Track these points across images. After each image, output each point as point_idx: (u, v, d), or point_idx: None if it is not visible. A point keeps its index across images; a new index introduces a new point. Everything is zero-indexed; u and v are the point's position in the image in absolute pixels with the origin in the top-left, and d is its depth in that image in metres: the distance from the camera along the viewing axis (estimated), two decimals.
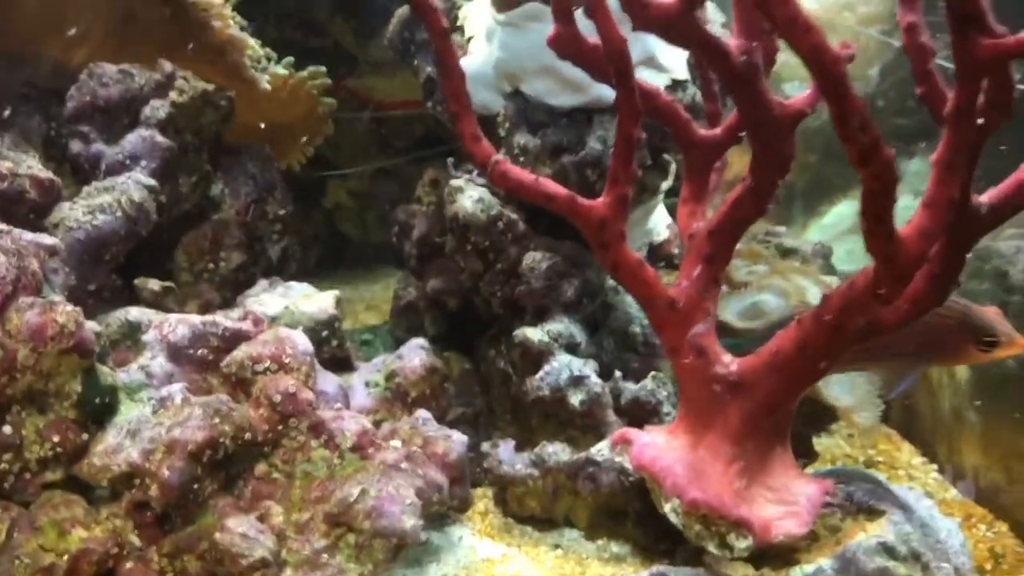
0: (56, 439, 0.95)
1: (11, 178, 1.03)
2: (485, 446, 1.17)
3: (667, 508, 0.98)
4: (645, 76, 1.17)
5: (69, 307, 0.95)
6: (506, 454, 1.15)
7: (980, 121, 0.81)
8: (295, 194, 2.11)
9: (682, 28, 0.85)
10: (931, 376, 1.34)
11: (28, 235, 1.01)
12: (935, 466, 1.33)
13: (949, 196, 0.83)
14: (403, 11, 1.30)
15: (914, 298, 0.92)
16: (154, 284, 1.13)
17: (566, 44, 0.95)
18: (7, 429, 0.94)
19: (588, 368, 1.14)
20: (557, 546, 1.12)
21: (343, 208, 2.15)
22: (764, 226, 1.72)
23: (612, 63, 0.90)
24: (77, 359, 0.95)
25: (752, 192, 0.97)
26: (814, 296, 1.18)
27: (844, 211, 2.12)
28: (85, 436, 0.97)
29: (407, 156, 2.06)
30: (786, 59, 2.56)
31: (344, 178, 2.13)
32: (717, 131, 1.04)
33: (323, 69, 1.43)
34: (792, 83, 2.39)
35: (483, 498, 1.21)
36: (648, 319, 1.01)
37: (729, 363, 0.98)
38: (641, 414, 1.13)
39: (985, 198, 0.89)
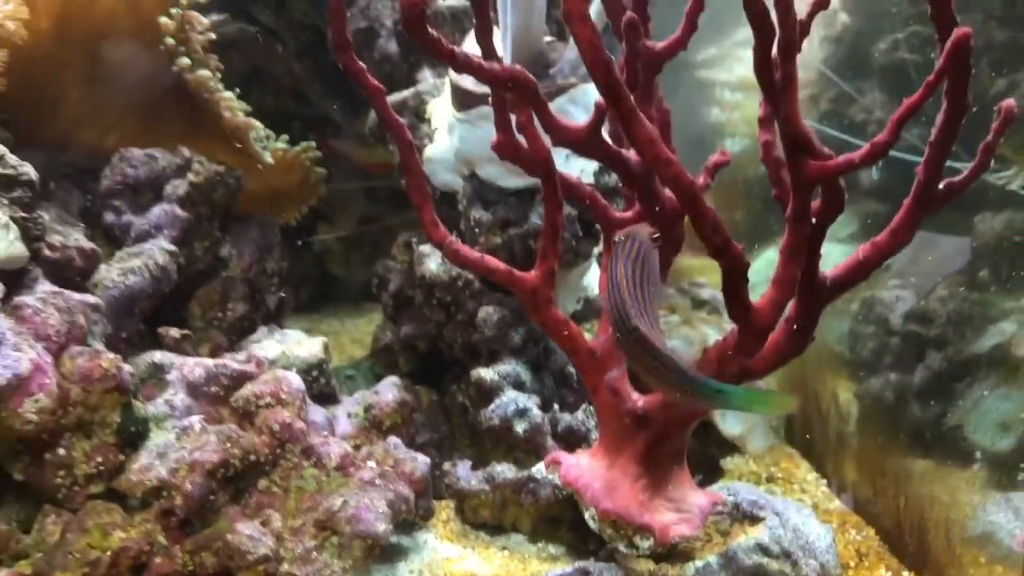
0: (99, 459, 1.19)
1: (62, 249, 1.28)
2: (447, 465, 1.42)
3: (587, 516, 1.23)
4: (578, 162, 1.44)
5: (111, 355, 1.20)
6: (463, 472, 1.40)
7: (815, 219, 1.08)
8: (289, 239, 2.36)
9: (589, 145, 1.11)
10: (822, 405, 1.61)
11: (76, 296, 1.25)
12: (825, 481, 1.59)
13: (791, 277, 1.09)
14: None
15: (778, 350, 1.18)
16: (175, 332, 1.37)
17: (506, 149, 1.21)
18: (61, 451, 1.18)
19: (531, 402, 1.39)
20: (504, 548, 1.37)
21: (331, 251, 2.40)
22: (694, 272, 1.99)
23: (539, 168, 1.15)
24: (117, 396, 1.19)
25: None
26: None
27: (772, 256, 2.38)
28: (122, 457, 1.21)
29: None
30: (728, 117, 2.86)
31: (332, 224, 2.38)
32: (629, 214, 1.30)
33: (314, 144, 1.68)
34: (733, 138, 2.68)
35: (446, 509, 1.45)
36: (573, 365, 1.26)
37: (637, 400, 1.24)
38: (574, 439, 1.39)
39: (830, 272, 1.15)
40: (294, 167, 1.61)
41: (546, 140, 1.14)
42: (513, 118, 1.18)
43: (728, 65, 2.67)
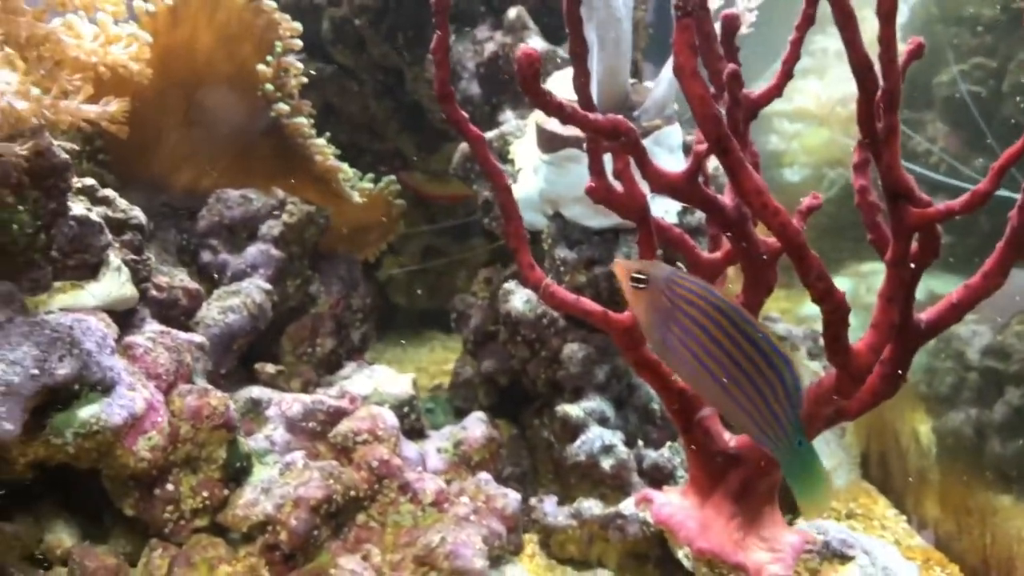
0: (205, 494, 1.23)
1: (168, 289, 1.33)
2: (533, 500, 1.44)
3: (680, 554, 1.24)
4: (662, 202, 1.47)
5: (220, 393, 1.24)
6: (550, 507, 1.42)
7: (913, 265, 1.09)
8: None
9: (687, 191, 1.14)
10: (900, 440, 1.61)
11: (183, 335, 1.30)
12: (904, 517, 1.58)
13: (891, 321, 1.11)
14: (464, 147, 1.60)
15: (872, 391, 1.19)
16: (270, 368, 1.42)
17: (600, 193, 1.24)
18: (169, 487, 1.22)
19: (616, 438, 1.41)
20: None
21: (394, 280, 2.44)
22: (767, 308, 2.00)
23: (634, 214, 1.18)
24: (225, 433, 1.24)
25: (744, 308, 1.25)
26: None
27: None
28: (226, 492, 1.25)
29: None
30: (787, 146, 2.87)
31: (397, 254, 2.42)
32: (717, 255, 1.32)
33: (395, 178, 1.73)
34: (792, 167, 2.69)
35: (530, 543, 1.47)
36: (663, 405, 1.28)
37: (729, 439, 1.25)
38: (659, 476, 1.40)
39: (924, 316, 1.16)
40: (378, 203, 1.66)
41: (642, 186, 1.17)
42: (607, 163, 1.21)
43: (786, 96, 2.68)
